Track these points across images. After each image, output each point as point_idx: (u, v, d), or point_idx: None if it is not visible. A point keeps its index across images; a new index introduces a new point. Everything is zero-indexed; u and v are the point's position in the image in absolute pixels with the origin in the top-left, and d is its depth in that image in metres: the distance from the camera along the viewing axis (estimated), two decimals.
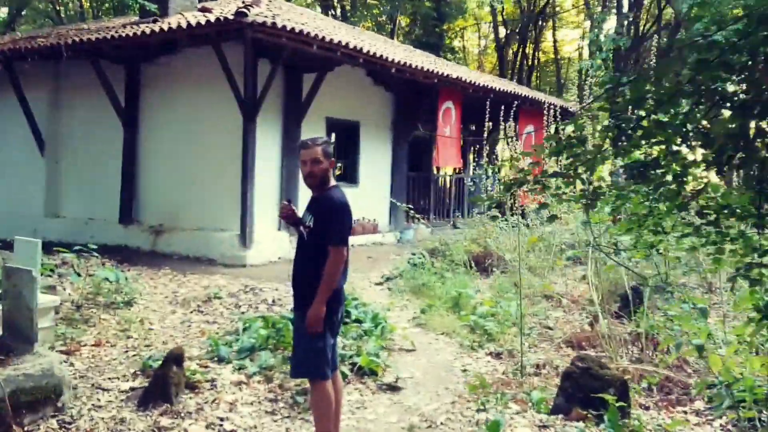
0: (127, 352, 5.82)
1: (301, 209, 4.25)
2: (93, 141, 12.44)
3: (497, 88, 14.37)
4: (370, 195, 13.02)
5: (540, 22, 30.58)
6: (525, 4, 29.30)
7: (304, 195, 11.60)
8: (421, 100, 13.42)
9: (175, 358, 4.64)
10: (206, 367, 5.23)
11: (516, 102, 14.90)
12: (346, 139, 13.02)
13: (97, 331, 6.33)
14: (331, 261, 3.81)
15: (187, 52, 11.05)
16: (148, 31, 10.03)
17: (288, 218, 4.13)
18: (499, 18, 30.19)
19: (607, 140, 3.15)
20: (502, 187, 3.13)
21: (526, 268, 8.78)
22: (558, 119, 13.01)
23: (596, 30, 20.27)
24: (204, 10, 10.67)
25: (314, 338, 3.83)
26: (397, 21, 26.20)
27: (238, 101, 10.00)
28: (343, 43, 10.35)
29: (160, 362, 5.16)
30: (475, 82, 13.76)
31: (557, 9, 32.31)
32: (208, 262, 10.20)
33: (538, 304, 7.58)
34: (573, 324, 6.95)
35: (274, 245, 10.65)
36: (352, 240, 12.44)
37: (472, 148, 17.06)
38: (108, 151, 12.04)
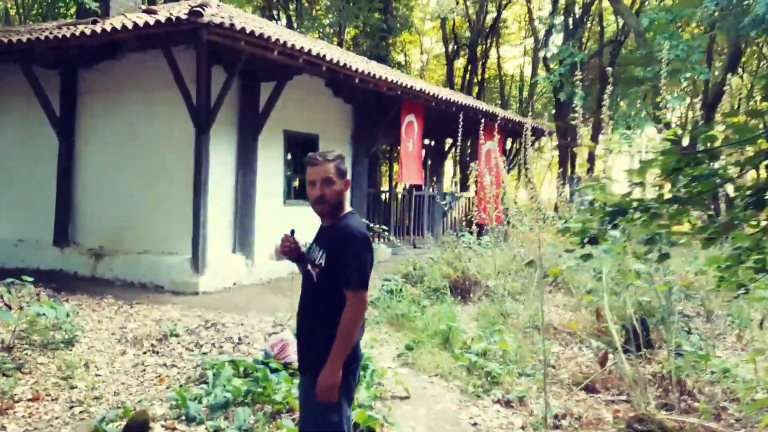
0: (72, 408, 4.86)
1: (305, 242, 3.42)
2: (24, 153, 11.25)
3: (460, 102, 13.77)
4: None
5: (489, 38, 30.36)
6: (474, 19, 28.99)
7: (261, 217, 10.73)
8: (381, 113, 12.66)
9: (139, 426, 3.74)
10: (173, 429, 4.33)
11: (479, 117, 14.41)
12: (304, 153, 12.16)
13: (34, 379, 5.34)
14: (350, 310, 3.01)
15: (131, 57, 10.04)
16: (88, 31, 8.98)
17: (291, 254, 3.31)
18: (449, 33, 29.86)
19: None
20: (599, 215, 2.38)
21: (507, 294, 8.13)
22: (531, 137, 12.53)
23: (551, 44, 19.96)
24: (149, 11, 9.69)
25: (328, 410, 3.02)
26: (345, 32, 25.47)
27: (190, 111, 9.06)
28: (306, 50, 9.55)
29: (114, 424, 4.26)
30: (439, 95, 13.12)
31: (502, 25, 32.17)
32: (156, 290, 9.19)
33: (530, 336, 6.90)
34: (576, 361, 6.30)
35: (228, 270, 9.71)
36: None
37: (429, 164, 16.47)
38: (41, 165, 10.87)
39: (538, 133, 17.56)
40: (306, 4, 26.76)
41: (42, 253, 10.50)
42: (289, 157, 11.72)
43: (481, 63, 30.69)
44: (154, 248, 9.74)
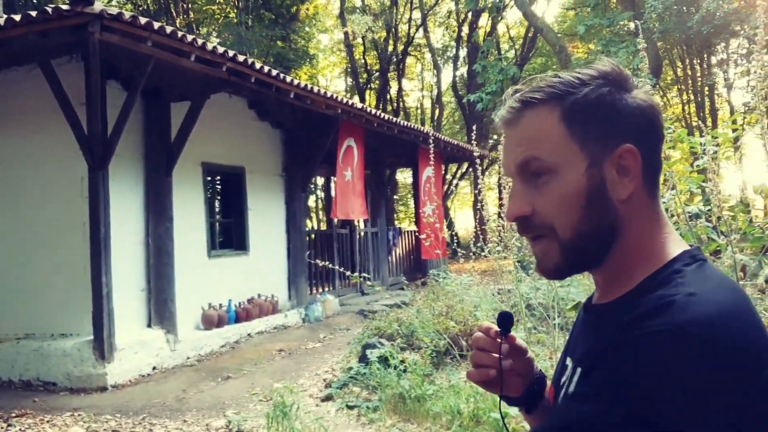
0: None
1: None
2: None
3: (403, 124, 11.91)
4: (264, 264, 9.92)
5: (399, 66, 29.28)
6: (382, 47, 27.69)
7: (182, 277, 8.37)
8: (317, 138, 10.53)
9: None
10: None
11: (419, 141, 12.63)
12: (228, 191, 9.89)
13: None
14: None
15: None
16: None
17: (508, 386, 1.12)
18: (359, 62, 28.48)
19: None
20: None
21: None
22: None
23: (481, 62, 18.49)
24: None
25: None
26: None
27: (81, 143, 6.69)
28: (230, 55, 7.41)
29: None
30: (382, 115, 11.19)
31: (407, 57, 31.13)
32: (46, 389, 6.66)
33: None
34: None
35: (145, 351, 7.26)
36: (249, 327, 9.23)
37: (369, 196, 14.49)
38: None
39: (471, 157, 15.96)
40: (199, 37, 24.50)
41: None
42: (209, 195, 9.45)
43: (396, 93, 29.62)
44: (40, 330, 7.20)
